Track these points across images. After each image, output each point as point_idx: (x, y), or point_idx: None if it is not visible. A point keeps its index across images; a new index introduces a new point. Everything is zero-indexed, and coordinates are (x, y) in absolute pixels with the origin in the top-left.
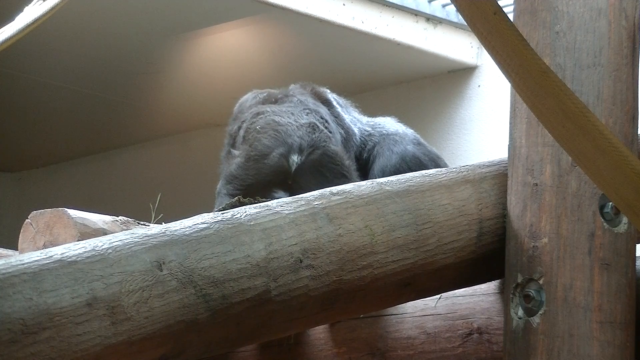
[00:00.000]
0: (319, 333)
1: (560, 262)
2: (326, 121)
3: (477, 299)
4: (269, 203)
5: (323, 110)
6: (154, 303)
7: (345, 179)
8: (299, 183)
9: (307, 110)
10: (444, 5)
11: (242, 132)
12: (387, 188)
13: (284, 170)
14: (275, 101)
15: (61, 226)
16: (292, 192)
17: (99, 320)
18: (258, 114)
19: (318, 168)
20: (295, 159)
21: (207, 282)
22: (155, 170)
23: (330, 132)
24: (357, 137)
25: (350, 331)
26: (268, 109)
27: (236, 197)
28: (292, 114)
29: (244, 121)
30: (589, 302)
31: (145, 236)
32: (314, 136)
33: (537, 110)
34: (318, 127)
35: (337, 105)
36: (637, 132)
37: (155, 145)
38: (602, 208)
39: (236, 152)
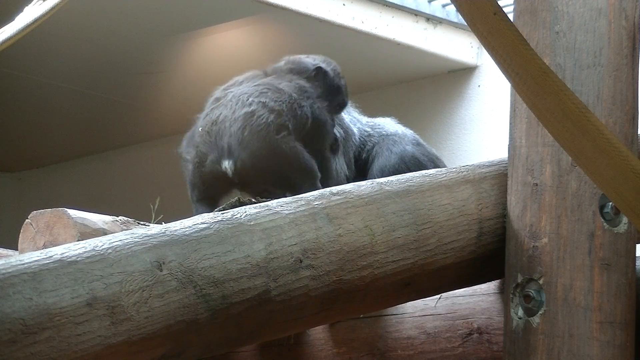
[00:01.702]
0: (319, 333)
1: (560, 262)
2: (289, 101)
3: (477, 299)
4: (269, 203)
5: (294, 85)
6: (154, 303)
7: (286, 158)
8: (245, 181)
9: (264, 89)
10: (444, 5)
11: (198, 123)
12: (387, 188)
13: (222, 175)
14: (240, 83)
15: (61, 226)
16: (242, 188)
17: (99, 320)
18: (215, 100)
19: (253, 167)
20: (226, 164)
21: (207, 282)
22: (155, 170)
23: (284, 116)
24: (357, 137)
25: (350, 331)
26: (221, 96)
27: (236, 197)
28: (238, 101)
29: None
30: (589, 302)
31: (145, 236)
32: (245, 133)
33: (537, 110)
34: (255, 112)
35: None
36: (637, 132)
37: (155, 145)
38: (602, 208)
39: (188, 157)
